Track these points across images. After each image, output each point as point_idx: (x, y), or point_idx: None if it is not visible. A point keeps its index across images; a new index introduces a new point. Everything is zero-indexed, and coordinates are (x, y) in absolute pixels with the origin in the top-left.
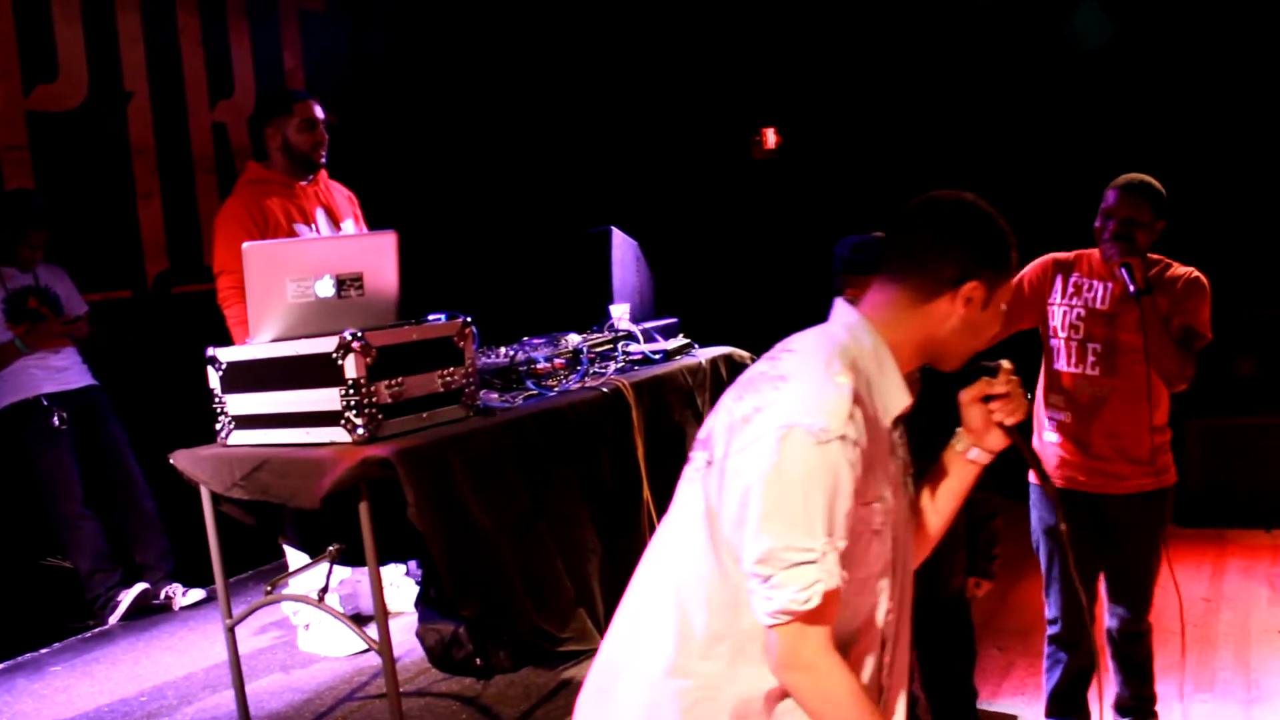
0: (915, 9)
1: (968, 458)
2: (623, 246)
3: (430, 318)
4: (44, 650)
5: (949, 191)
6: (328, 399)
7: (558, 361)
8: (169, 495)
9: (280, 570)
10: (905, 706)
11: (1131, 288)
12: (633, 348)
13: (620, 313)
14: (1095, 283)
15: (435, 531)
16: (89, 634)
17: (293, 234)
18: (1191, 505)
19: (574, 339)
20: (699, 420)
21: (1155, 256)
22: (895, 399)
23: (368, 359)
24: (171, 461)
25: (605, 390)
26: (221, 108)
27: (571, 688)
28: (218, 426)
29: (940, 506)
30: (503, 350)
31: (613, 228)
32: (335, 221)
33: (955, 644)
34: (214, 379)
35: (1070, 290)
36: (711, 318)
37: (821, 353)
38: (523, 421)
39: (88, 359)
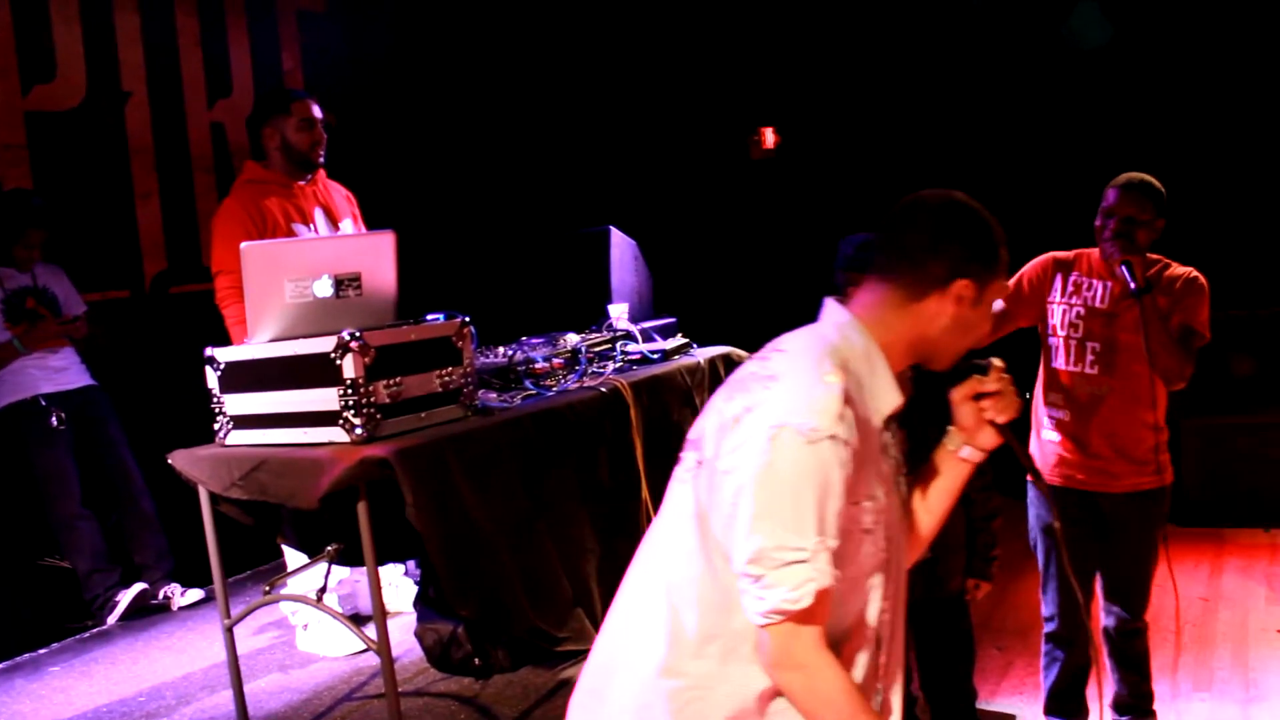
0: (913, 8)
1: (960, 456)
2: (621, 246)
3: (428, 317)
4: (42, 650)
5: (938, 190)
6: (326, 399)
7: (556, 361)
8: (167, 495)
9: (279, 570)
10: (903, 706)
11: (1133, 285)
12: (631, 347)
13: (619, 312)
14: (1095, 281)
15: (433, 531)
16: (87, 634)
17: (291, 234)
18: (1190, 505)
19: (572, 339)
20: None
21: (1154, 256)
22: (886, 398)
23: (366, 359)
24: (170, 461)
25: (604, 390)
26: (220, 107)
27: (570, 687)
28: (216, 426)
29: (933, 505)
30: (501, 350)
31: (611, 227)
32: (334, 221)
33: (954, 645)
34: (212, 379)
35: (1070, 289)
36: (710, 317)
37: (812, 352)
38: (521, 421)
39: (86, 359)
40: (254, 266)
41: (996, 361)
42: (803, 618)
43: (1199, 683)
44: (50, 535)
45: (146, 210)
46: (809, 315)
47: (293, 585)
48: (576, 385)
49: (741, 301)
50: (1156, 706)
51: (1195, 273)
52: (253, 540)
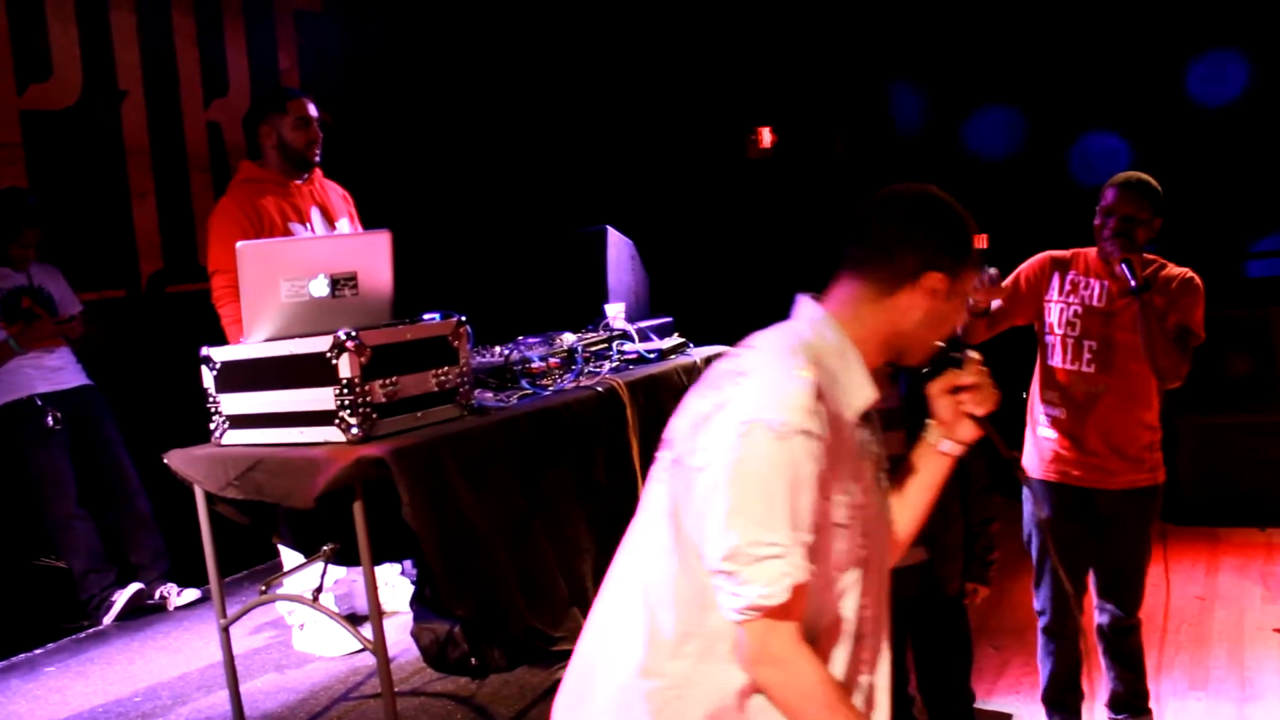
0: (910, 8)
1: (940, 450)
2: (618, 246)
3: (425, 317)
4: (38, 651)
5: (909, 184)
6: (322, 398)
7: (552, 361)
8: (163, 495)
9: (275, 570)
10: (899, 705)
11: (1133, 284)
12: (628, 347)
13: (615, 312)
14: (1092, 280)
15: (430, 531)
16: (83, 634)
17: (287, 233)
18: (1186, 504)
19: (569, 338)
20: None
21: (1150, 256)
22: (860, 393)
23: (362, 358)
24: (165, 461)
25: (600, 389)
26: (216, 107)
27: None
28: (212, 426)
29: (915, 501)
30: (497, 349)
31: (608, 227)
32: (330, 220)
33: (952, 646)
34: (208, 378)
35: (1067, 287)
36: (706, 317)
37: (783, 348)
38: (517, 421)
39: (82, 359)
40: (250, 266)
41: (974, 354)
42: (779, 613)
43: (1195, 681)
44: (46, 535)
45: (142, 210)
46: None
47: (289, 585)
48: (573, 385)
49: (738, 301)
50: (1153, 705)
51: (1191, 273)
52: (249, 540)
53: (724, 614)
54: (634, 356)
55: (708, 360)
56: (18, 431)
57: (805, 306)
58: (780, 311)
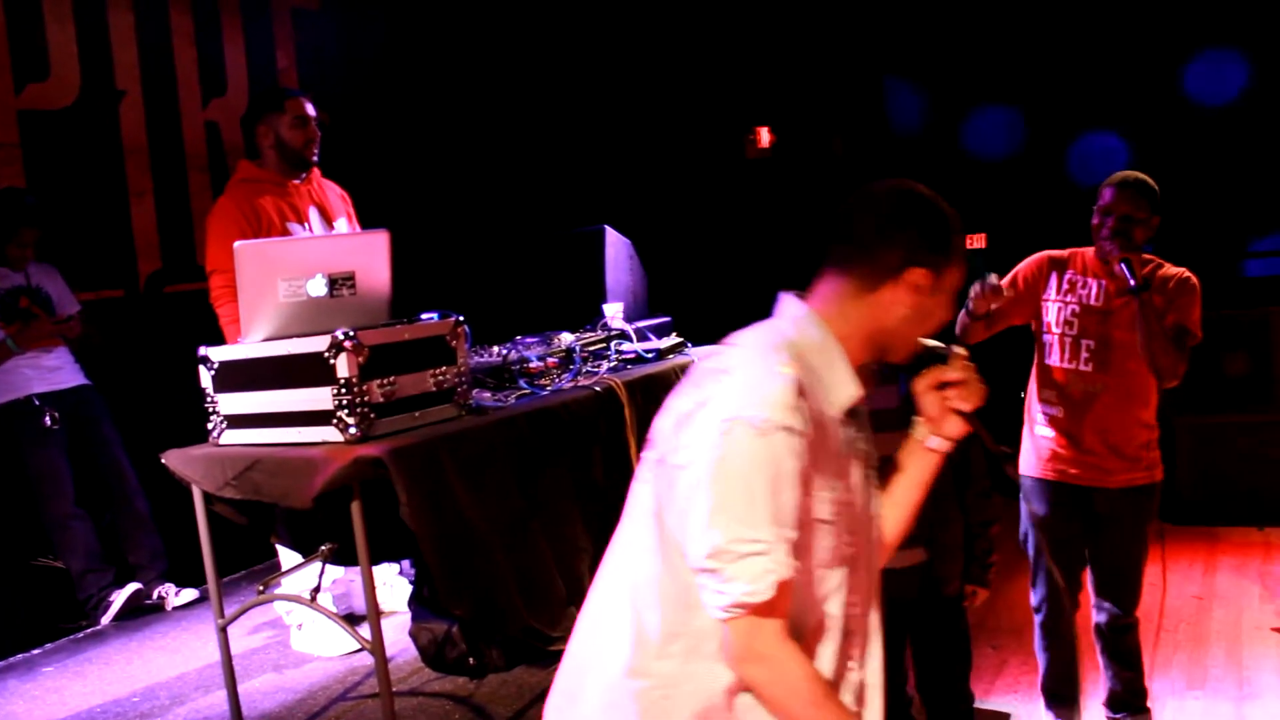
0: (909, 7)
1: (927, 446)
2: (616, 245)
3: (423, 317)
4: (36, 651)
5: (891, 180)
6: (320, 398)
7: (551, 360)
8: (161, 495)
9: (273, 570)
10: (894, 705)
11: (1132, 283)
12: (626, 346)
13: (613, 311)
14: (1089, 280)
15: (428, 531)
16: (81, 634)
17: (285, 232)
18: (1184, 503)
19: (567, 338)
20: None
21: (1147, 256)
22: (844, 390)
23: (360, 358)
24: (163, 461)
25: (598, 389)
26: (214, 106)
27: None
28: (210, 426)
29: (904, 498)
30: (495, 349)
31: (606, 227)
32: (328, 220)
33: (951, 646)
34: (206, 378)
35: (1065, 287)
36: (705, 317)
37: (764, 346)
38: (515, 420)
39: (80, 358)
40: (248, 265)
41: (960, 349)
42: (764, 610)
43: (1193, 680)
44: (44, 535)
45: (141, 209)
46: None
47: (287, 585)
48: (571, 384)
49: (736, 301)
50: (1151, 704)
51: (1187, 272)
52: (247, 540)
53: (709, 612)
54: (632, 356)
55: None
56: (15, 431)
57: (788, 304)
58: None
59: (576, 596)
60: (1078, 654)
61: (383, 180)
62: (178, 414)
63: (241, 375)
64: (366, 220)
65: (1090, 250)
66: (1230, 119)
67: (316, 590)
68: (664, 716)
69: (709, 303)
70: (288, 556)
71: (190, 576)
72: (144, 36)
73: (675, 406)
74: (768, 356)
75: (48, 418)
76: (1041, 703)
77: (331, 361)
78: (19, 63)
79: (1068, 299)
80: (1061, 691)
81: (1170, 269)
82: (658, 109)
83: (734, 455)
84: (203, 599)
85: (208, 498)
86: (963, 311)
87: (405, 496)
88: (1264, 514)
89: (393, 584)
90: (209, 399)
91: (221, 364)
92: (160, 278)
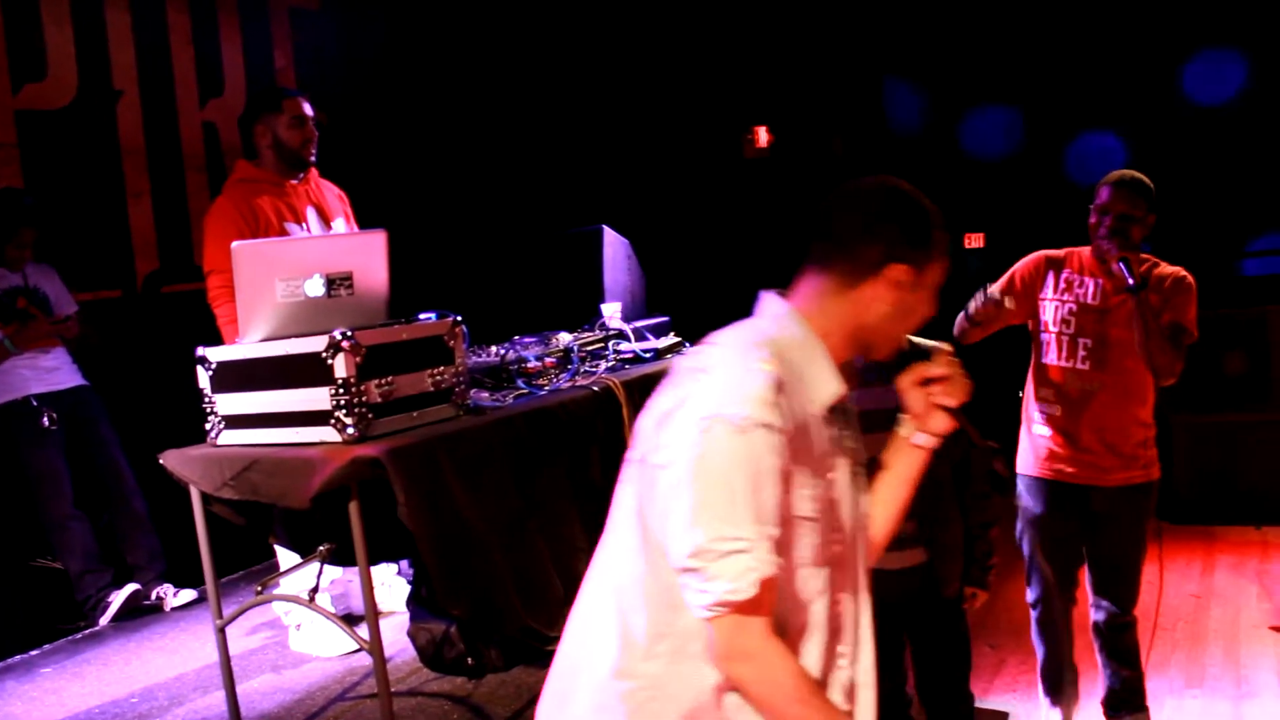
0: (908, 7)
1: (913, 443)
2: (614, 245)
3: (420, 317)
4: (34, 652)
5: (871, 176)
6: (317, 398)
7: (549, 360)
8: (159, 495)
9: (271, 570)
10: (894, 705)
11: (1130, 282)
12: (624, 346)
13: (611, 311)
14: (1086, 279)
15: (425, 531)
16: (79, 635)
17: (283, 233)
18: (1181, 502)
19: (565, 338)
20: None
21: (1143, 256)
22: (826, 387)
23: (357, 358)
24: (161, 461)
25: (596, 389)
26: (212, 106)
27: None
28: (207, 426)
29: (892, 496)
30: (493, 349)
31: (604, 226)
32: (326, 220)
33: (951, 647)
34: (204, 379)
35: (1062, 286)
36: (703, 316)
37: (744, 343)
38: (513, 420)
39: (77, 359)
40: (245, 266)
41: (944, 346)
42: (748, 608)
43: (1191, 679)
44: (42, 536)
45: (138, 209)
46: None
47: (285, 585)
48: (569, 384)
49: (734, 301)
50: (1149, 703)
51: (1183, 271)
52: (245, 540)
53: (693, 612)
54: (630, 356)
55: None
56: (13, 432)
57: (770, 302)
58: None
59: (574, 596)
60: (1072, 643)
61: (381, 180)
62: (175, 414)
63: (239, 375)
64: (364, 220)
65: (1087, 249)
66: (1228, 119)
67: (315, 590)
68: (652, 717)
69: (707, 303)
70: (286, 557)
71: (188, 577)
72: (141, 36)
73: (656, 406)
74: (747, 354)
75: (46, 418)
76: (1041, 701)
77: (329, 362)
78: (16, 63)
79: (1065, 298)
80: (1059, 683)
81: (1166, 268)
82: (656, 108)
83: (714, 453)
84: (201, 599)
85: (206, 498)
86: (961, 315)
87: (403, 496)
88: (1261, 513)
89: (391, 584)
90: (207, 399)
91: (219, 364)
92: (158, 278)
